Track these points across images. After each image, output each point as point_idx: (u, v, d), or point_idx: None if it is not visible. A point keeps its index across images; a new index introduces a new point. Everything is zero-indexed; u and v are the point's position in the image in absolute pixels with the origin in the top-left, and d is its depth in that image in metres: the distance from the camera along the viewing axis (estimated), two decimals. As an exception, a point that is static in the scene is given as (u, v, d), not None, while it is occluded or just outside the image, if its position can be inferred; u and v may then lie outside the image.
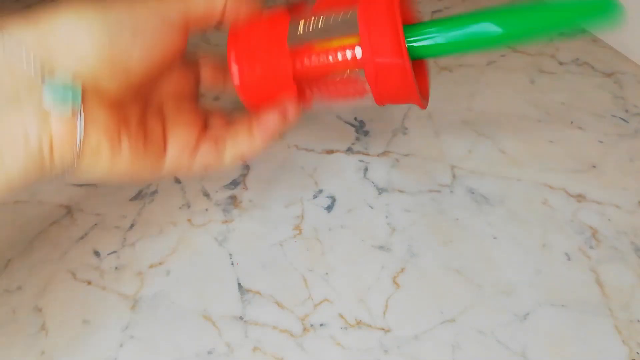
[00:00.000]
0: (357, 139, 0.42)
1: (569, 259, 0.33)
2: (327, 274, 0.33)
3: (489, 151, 0.39)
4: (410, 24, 0.26)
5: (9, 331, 0.31)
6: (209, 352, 0.30)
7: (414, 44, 0.25)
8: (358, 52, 0.25)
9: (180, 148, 0.28)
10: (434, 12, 0.57)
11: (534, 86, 0.46)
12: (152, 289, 0.33)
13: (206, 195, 0.39)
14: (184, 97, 0.29)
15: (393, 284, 0.32)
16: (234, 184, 0.39)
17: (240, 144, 0.28)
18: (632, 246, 0.33)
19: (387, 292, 0.32)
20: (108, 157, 0.23)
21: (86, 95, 0.22)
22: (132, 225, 0.37)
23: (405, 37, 0.24)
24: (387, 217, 0.36)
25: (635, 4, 0.45)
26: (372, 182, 0.38)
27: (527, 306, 0.31)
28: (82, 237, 0.36)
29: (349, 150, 0.41)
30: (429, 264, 0.33)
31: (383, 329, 0.30)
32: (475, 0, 0.57)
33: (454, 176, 0.38)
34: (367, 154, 0.41)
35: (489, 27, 0.24)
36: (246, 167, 0.41)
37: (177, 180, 0.40)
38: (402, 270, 0.33)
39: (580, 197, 0.36)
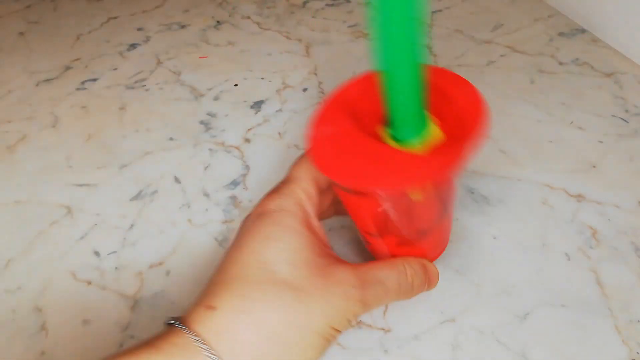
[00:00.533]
0: (357, 139, 0.42)
1: (569, 259, 0.33)
2: (327, 274, 0.33)
3: (489, 151, 0.39)
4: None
5: (9, 331, 0.31)
6: (209, 352, 0.30)
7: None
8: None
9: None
10: (434, 12, 0.57)
11: (534, 86, 0.46)
12: (152, 289, 0.33)
13: (206, 195, 0.39)
14: None
15: (393, 284, 0.32)
16: (234, 184, 0.39)
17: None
18: (632, 246, 0.33)
19: (387, 292, 0.32)
20: None
21: None
22: (132, 225, 0.37)
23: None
24: (387, 217, 0.36)
25: (636, 4, 0.45)
26: (372, 182, 0.38)
27: (527, 306, 0.31)
28: (82, 237, 0.36)
29: (349, 150, 0.41)
30: (429, 264, 0.33)
31: (383, 329, 0.30)
32: (475, 0, 0.58)
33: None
34: (367, 154, 0.41)
35: None
36: (246, 167, 0.41)
37: (177, 180, 0.40)
38: (402, 270, 0.33)
39: (580, 197, 0.36)
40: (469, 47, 0.50)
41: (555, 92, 0.45)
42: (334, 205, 0.29)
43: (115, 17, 0.60)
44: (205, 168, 0.41)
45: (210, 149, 0.42)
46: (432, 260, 0.29)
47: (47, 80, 0.51)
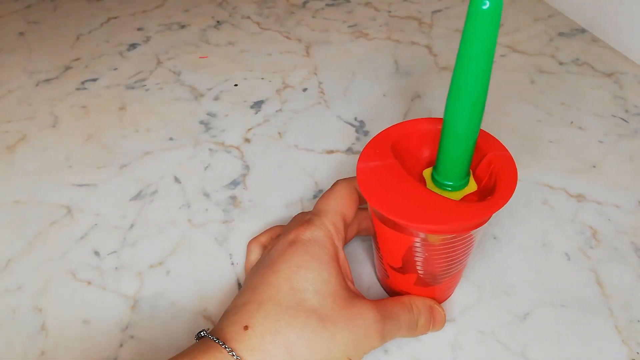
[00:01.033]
0: (357, 139, 0.42)
1: (569, 259, 0.33)
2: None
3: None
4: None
5: (9, 331, 0.31)
6: (209, 352, 0.30)
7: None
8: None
9: None
10: (434, 12, 0.57)
11: (534, 86, 0.46)
12: (152, 289, 0.33)
13: (206, 195, 0.39)
14: None
15: (393, 284, 0.32)
16: (234, 184, 0.39)
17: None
18: (632, 246, 0.33)
19: (387, 292, 0.32)
20: None
21: None
22: (132, 225, 0.37)
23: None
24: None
25: (636, 4, 0.45)
26: (372, 182, 0.38)
27: (527, 306, 0.31)
28: (82, 237, 0.36)
29: (349, 150, 0.41)
30: (429, 264, 0.33)
31: (383, 329, 0.30)
32: (475, 0, 0.57)
33: (454, 176, 0.38)
34: (367, 154, 0.41)
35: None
36: (246, 167, 0.41)
37: (177, 180, 0.40)
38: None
39: (580, 197, 0.36)
40: (469, 47, 0.50)
41: (555, 92, 0.45)
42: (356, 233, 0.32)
43: (115, 17, 0.60)
44: (205, 168, 0.41)
45: (210, 149, 0.42)
46: (440, 302, 0.30)
47: (47, 80, 0.51)
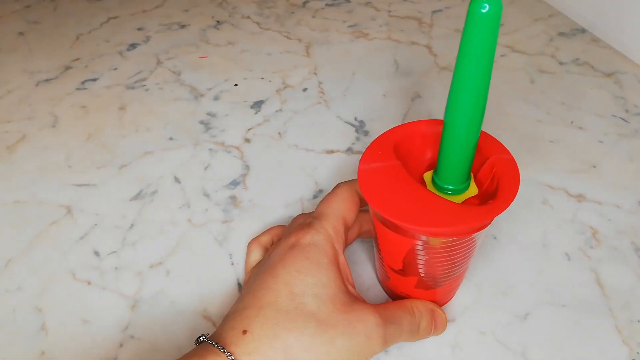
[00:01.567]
0: (357, 139, 0.42)
1: (569, 259, 0.33)
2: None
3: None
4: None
5: (9, 331, 0.31)
6: (209, 352, 0.30)
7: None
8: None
9: None
10: (433, 12, 0.57)
11: (534, 86, 0.46)
12: (152, 289, 0.33)
13: (206, 195, 0.39)
14: None
15: (393, 284, 0.32)
16: (234, 184, 0.39)
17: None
18: (632, 246, 0.33)
19: (387, 292, 0.32)
20: None
21: None
22: (132, 225, 0.37)
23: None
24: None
25: (636, 4, 0.45)
26: (372, 182, 0.38)
27: (527, 306, 0.31)
28: (82, 237, 0.36)
29: (349, 150, 0.41)
30: (429, 264, 0.33)
31: (383, 329, 0.30)
32: None
33: (454, 176, 0.38)
34: (367, 154, 0.41)
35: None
36: (246, 167, 0.41)
37: (177, 180, 0.40)
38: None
39: (580, 197, 0.36)
40: (469, 47, 0.50)
41: (555, 92, 0.45)
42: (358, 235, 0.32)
43: (115, 17, 0.60)
44: (205, 168, 0.41)
45: (210, 149, 0.42)
46: (441, 304, 0.30)
47: (47, 80, 0.51)
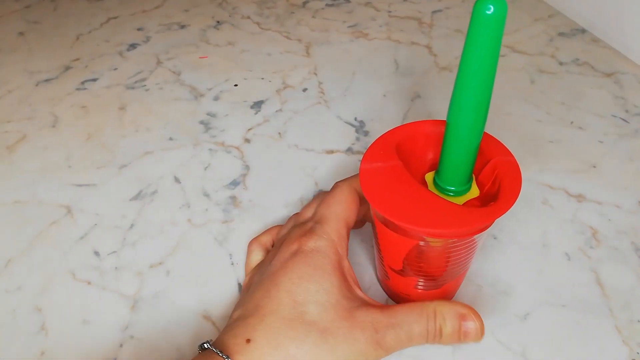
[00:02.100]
0: (357, 139, 0.42)
1: (569, 259, 0.33)
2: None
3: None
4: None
5: (9, 331, 0.31)
6: (209, 352, 0.30)
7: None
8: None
9: None
10: (433, 12, 0.57)
11: (534, 86, 0.46)
12: (152, 289, 0.33)
13: (206, 195, 0.39)
14: None
15: (393, 284, 0.32)
16: (234, 184, 0.39)
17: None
18: (632, 246, 0.33)
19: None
20: None
21: None
22: (132, 225, 0.37)
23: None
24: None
25: (636, 4, 0.45)
26: (372, 182, 0.38)
27: (527, 306, 0.31)
28: (82, 237, 0.36)
29: (349, 150, 0.41)
30: (429, 264, 0.33)
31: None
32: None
33: (454, 176, 0.38)
34: (367, 154, 0.41)
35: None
36: (246, 167, 0.41)
37: (177, 180, 0.40)
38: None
39: (580, 197, 0.36)
40: (469, 47, 0.50)
41: (555, 92, 0.45)
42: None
43: (115, 17, 0.60)
44: (205, 168, 0.41)
45: (210, 149, 0.42)
46: None
47: (47, 80, 0.51)
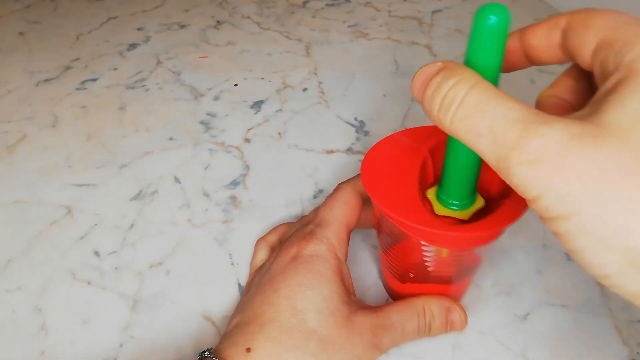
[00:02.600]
0: (357, 139, 0.42)
1: (569, 259, 0.33)
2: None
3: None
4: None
5: (9, 331, 0.31)
6: (209, 352, 0.30)
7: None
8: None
9: None
10: (433, 12, 0.57)
11: (534, 86, 0.46)
12: (152, 289, 0.33)
13: (206, 195, 0.39)
14: None
15: (393, 284, 0.32)
16: (234, 184, 0.39)
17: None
18: (632, 246, 0.33)
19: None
20: None
21: None
22: (132, 225, 0.37)
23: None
24: (387, 217, 0.36)
25: (635, 4, 0.45)
26: (372, 182, 0.38)
27: (527, 306, 0.31)
28: (82, 237, 0.36)
29: (349, 150, 0.41)
30: (429, 264, 0.33)
31: (383, 329, 0.30)
32: (475, 0, 0.57)
33: (454, 176, 0.38)
34: (367, 154, 0.41)
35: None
36: (246, 167, 0.41)
37: (177, 180, 0.40)
38: (402, 270, 0.33)
39: (580, 197, 0.36)
40: (469, 47, 0.50)
41: (555, 92, 0.45)
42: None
43: (115, 17, 0.60)
44: (205, 168, 0.41)
45: (210, 149, 0.42)
46: None
47: (47, 80, 0.51)
